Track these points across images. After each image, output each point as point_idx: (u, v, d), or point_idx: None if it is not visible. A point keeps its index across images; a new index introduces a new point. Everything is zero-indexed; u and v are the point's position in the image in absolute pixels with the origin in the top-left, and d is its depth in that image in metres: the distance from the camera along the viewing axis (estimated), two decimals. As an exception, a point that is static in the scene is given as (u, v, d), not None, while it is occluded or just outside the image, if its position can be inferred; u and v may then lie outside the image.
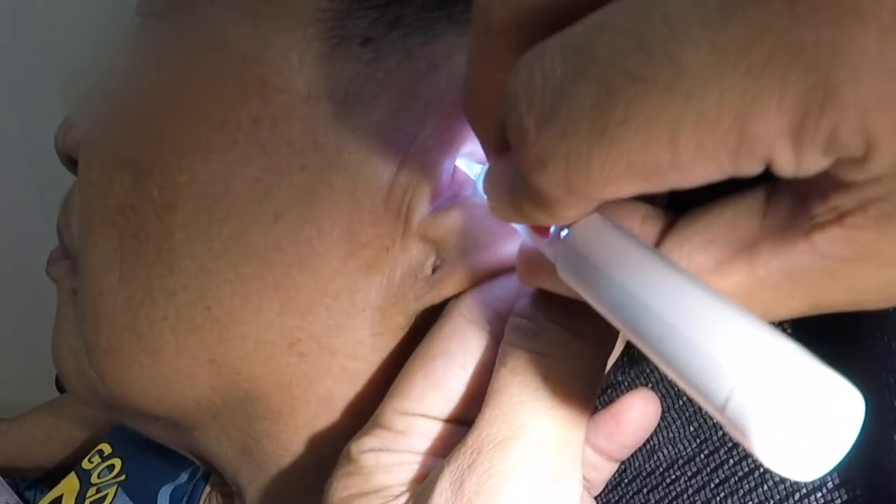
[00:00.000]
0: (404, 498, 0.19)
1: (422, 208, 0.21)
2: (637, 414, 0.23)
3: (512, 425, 0.18)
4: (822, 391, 0.12)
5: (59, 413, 0.47)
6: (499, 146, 0.16)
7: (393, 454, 0.20)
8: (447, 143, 0.21)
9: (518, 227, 0.18)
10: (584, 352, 0.18)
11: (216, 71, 0.22)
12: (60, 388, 0.54)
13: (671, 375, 0.13)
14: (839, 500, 0.28)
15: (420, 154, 0.21)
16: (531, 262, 0.18)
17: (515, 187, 0.14)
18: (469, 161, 0.21)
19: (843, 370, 0.26)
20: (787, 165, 0.11)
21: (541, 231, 0.17)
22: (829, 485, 0.27)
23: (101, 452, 0.42)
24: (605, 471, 0.24)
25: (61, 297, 0.27)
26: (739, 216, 0.14)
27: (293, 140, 0.21)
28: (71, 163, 0.27)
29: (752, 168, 0.11)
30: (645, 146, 0.11)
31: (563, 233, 0.16)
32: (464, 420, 0.20)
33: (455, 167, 0.21)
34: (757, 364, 0.12)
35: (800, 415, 0.11)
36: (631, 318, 0.14)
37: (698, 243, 0.15)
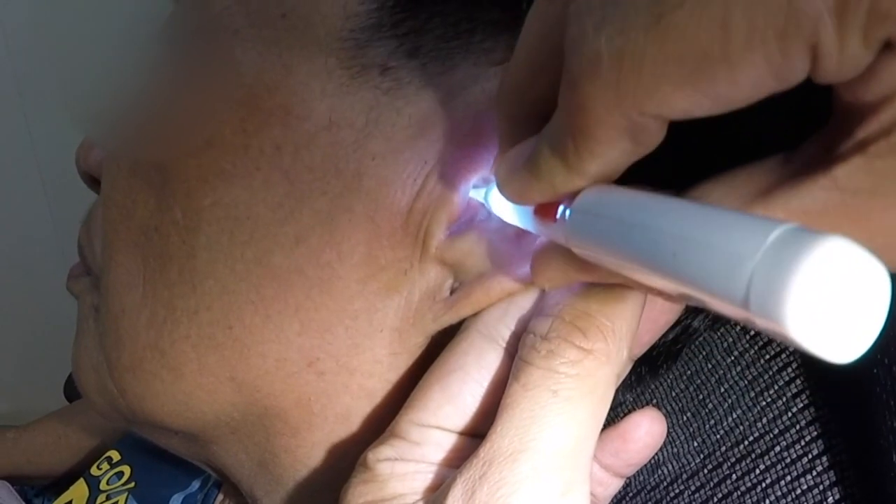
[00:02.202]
0: None
1: (439, 233, 0.22)
2: (643, 433, 0.24)
3: (523, 439, 0.19)
4: (842, 258, 0.11)
5: (69, 422, 0.48)
6: (518, 136, 0.17)
7: (408, 463, 0.21)
8: (463, 170, 0.22)
9: (524, 217, 0.19)
10: (594, 370, 0.19)
11: (241, 98, 0.23)
12: (69, 396, 0.55)
13: (692, 291, 0.13)
14: (840, 515, 0.29)
15: (437, 180, 0.22)
16: (543, 257, 0.19)
17: (535, 152, 0.16)
18: (482, 189, 0.22)
19: (844, 392, 0.27)
20: (831, 52, 0.12)
21: (546, 214, 0.18)
22: (830, 500, 0.28)
23: (109, 459, 0.43)
24: (610, 486, 0.25)
25: (83, 313, 0.28)
26: (759, 169, 0.15)
27: (315, 166, 0.22)
28: (93, 182, 0.28)
29: (799, 62, 0.12)
30: (698, 31, 0.12)
31: (569, 213, 0.17)
32: (477, 433, 0.21)
33: (470, 197, 0.22)
34: (772, 243, 0.12)
35: (823, 283, 0.11)
36: (645, 249, 0.14)
37: (716, 195, 0.16)
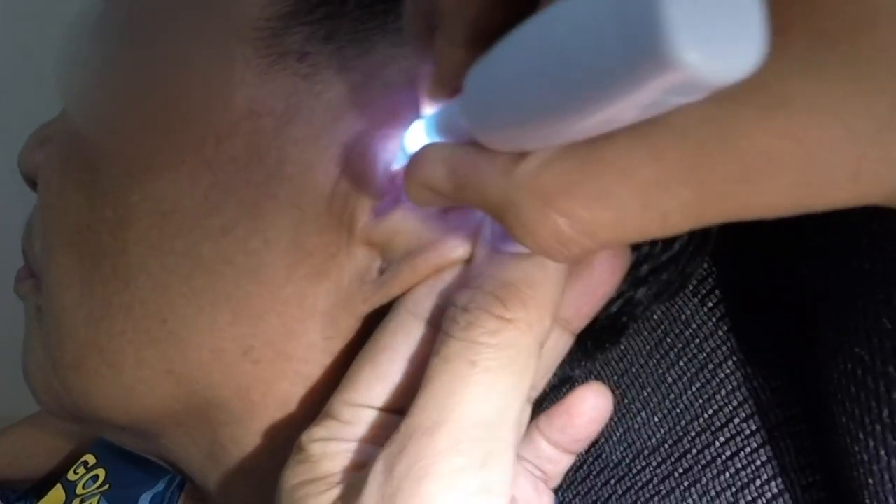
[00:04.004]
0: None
1: (363, 215, 0.22)
2: (589, 407, 0.24)
3: (442, 412, 0.19)
4: None
5: (44, 425, 0.49)
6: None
7: (340, 443, 0.21)
8: (383, 150, 0.22)
9: (431, 131, 0.20)
10: (514, 340, 0.19)
11: (162, 93, 0.23)
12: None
13: (584, 88, 0.12)
14: (799, 486, 0.29)
15: (358, 163, 0.22)
16: (418, 166, 0.19)
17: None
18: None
19: (800, 362, 0.27)
20: None
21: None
22: (790, 471, 0.29)
23: (85, 463, 0.44)
24: (560, 463, 0.26)
25: (28, 314, 0.28)
26: None
27: (237, 156, 0.23)
28: (33, 184, 0.28)
29: None
30: None
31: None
32: (407, 411, 0.21)
33: (393, 175, 0.23)
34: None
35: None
36: (534, 67, 0.13)
37: None
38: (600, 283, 0.22)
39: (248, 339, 0.23)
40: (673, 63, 0.11)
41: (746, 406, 0.30)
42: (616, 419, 0.32)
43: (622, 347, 0.33)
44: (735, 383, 0.31)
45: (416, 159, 0.18)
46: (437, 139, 0.20)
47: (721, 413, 0.31)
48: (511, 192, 0.16)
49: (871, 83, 0.12)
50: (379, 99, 0.22)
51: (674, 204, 0.14)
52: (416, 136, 0.20)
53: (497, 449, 0.19)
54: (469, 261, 0.21)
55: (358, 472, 0.20)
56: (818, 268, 0.25)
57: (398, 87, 0.22)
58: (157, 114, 0.23)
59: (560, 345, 0.23)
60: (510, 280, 0.20)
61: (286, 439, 0.25)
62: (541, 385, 0.24)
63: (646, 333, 0.33)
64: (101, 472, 0.43)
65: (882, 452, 0.23)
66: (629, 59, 0.11)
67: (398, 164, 0.22)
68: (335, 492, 0.20)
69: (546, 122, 0.14)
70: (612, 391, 0.32)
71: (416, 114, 0.22)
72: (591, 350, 0.27)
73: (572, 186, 0.15)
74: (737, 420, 0.30)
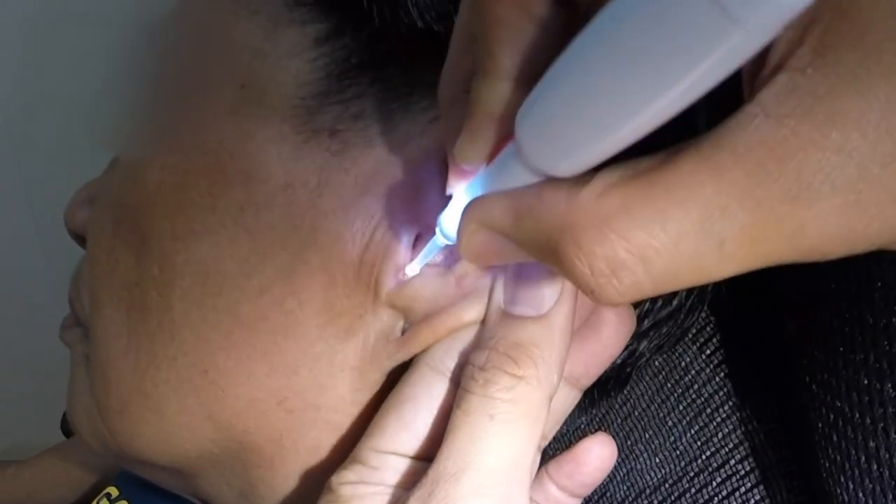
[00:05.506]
0: None
1: (388, 281, 0.25)
2: (594, 456, 0.27)
3: (465, 459, 0.22)
4: None
5: (67, 456, 0.51)
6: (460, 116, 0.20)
7: (367, 486, 0.24)
8: (407, 222, 0.25)
9: (477, 187, 0.21)
10: (527, 395, 0.22)
11: (206, 164, 0.26)
12: (66, 431, 0.58)
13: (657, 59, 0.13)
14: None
15: (384, 233, 0.25)
16: (471, 226, 0.20)
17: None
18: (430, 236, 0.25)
19: (786, 408, 0.29)
20: None
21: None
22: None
23: (108, 495, 0.46)
24: None
25: (74, 361, 0.31)
26: None
27: (274, 225, 0.25)
28: (80, 239, 0.31)
29: None
30: None
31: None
32: (429, 457, 0.24)
33: (415, 243, 0.25)
34: None
35: None
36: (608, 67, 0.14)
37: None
38: (608, 345, 0.25)
39: (282, 391, 0.26)
40: None
41: (742, 448, 0.33)
42: (620, 460, 0.35)
43: (625, 392, 0.36)
44: (731, 426, 0.33)
45: (475, 202, 0.19)
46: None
47: (718, 454, 0.34)
48: (573, 213, 0.16)
49: None
50: (402, 174, 0.25)
51: (731, 229, 0.15)
52: (458, 199, 0.22)
53: (514, 493, 0.22)
54: (483, 321, 0.24)
55: None
56: (802, 325, 0.28)
57: (419, 164, 0.25)
58: (202, 182, 0.26)
59: (569, 400, 0.25)
60: (521, 341, 0.22)
61: (314, 482, 0.27)
62: (550, 434, 0.26)
63: (647, 379, 0.35)
64: (123, 504, 0.45)
65: (860, 494, 0.26)
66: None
67: (427, 233, 0.25)
68: None
69: (618, 122, 0.15)
70: (616, 433, 0.35)
71: (435, 188, 0.25)
72: (597, 398, 0.30)
73: (632, 207, 0.15)
74: (732, 461, 0.33)
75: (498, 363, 0.22)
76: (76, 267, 0.32)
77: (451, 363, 0.24)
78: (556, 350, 0.23)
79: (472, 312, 0.24)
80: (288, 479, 0.28)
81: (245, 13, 0.27)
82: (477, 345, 0.24)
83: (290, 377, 0.26)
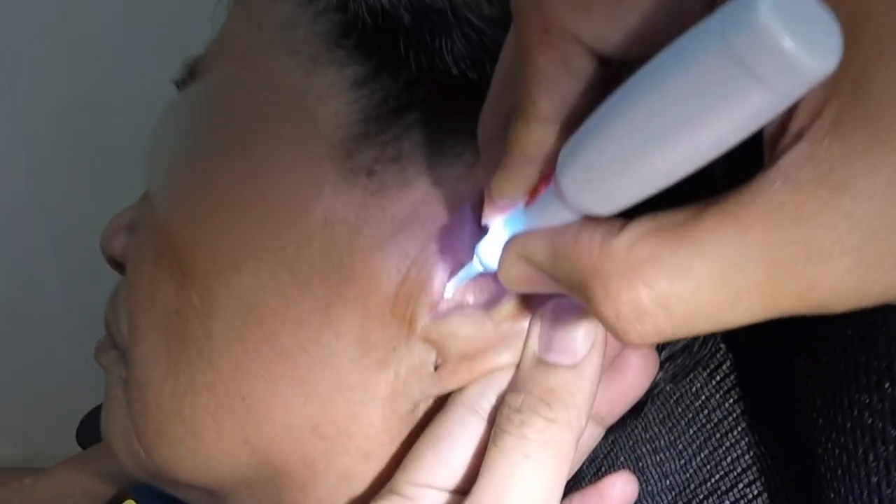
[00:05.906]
0: None
1: (423, 315, 0.26)
2: (618, 492, 0.28)
3: (500, 495, 0.24)
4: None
5: (84, 467, 0.52)
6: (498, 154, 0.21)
7: None
8: (441, 261, 0.26)
9: (516, 222, 0.23)
10: (558, 436, 0.24)
11: (250, 199, 0.27)
12: (81, 442, 0.59)
13: (683, 94, 0.14)
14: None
15: (418, 270, 0.26)
16: (513, 253, 0.21)
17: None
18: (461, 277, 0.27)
19: (792, 432, 0.31)
20: None
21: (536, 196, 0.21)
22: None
23: (126, 507, 0.47)
24: None
25: (110, 383, 0.32)
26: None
27: (313, 261, 0.27)
28: (115, 264, 0.33)
29: None
30: None
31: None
32: (464, 490, 0.25)
33: (448, 279, 0.27)
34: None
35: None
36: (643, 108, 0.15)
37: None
38: (632, 386, 0.27)
39: (316, 418, 0.27)
40: (783, 55, 0.13)
41: (750, 472, 0.35)
42: (631, 482, 0.36)
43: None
44: (740, 451, 0.35)
45: (517, 237, 0.21)
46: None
47: (727, 478, 0.35)
48: (605, 259, 0.17)
49: None
50: (437, 215, 0.26)
51: (748, 284, 0.16)
52: (496, 231, 0.24)
53: None
54: (518, 365, 0.26)
55: None
56: (810, 364, 0.30)
57: (454, 205, 0.26)
58: (244, 218, 0.27)
59: (594, 436, 0.27)
60: (554, 387, 0.24)
61: None
62: (575, 468, 0.28)
63: (658, 404, 0.37)
64: (141, 516, 0.46)
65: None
66: (749, 62, 0.13)
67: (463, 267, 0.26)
68: None
69: (657, 176, 0.16)
70: (627, 456, 0.36)
71: (469, 228, 0.26)
72: (615, 427, 0.32)
73: (660, 258, 0.16)
74: (741, 485, 0.34)
75: (533, 406, 0.24)
76: (113, 289, 0.33)
77: (486, 403, 0.26)
78: (586, 396, 0.24)
79: (508, 356, 0.26)
80: (318, 502, 0.29)
81: (284, 51, 0.28)
82: (512, 388, 0.25)
83: (324, 405, 0.27)
